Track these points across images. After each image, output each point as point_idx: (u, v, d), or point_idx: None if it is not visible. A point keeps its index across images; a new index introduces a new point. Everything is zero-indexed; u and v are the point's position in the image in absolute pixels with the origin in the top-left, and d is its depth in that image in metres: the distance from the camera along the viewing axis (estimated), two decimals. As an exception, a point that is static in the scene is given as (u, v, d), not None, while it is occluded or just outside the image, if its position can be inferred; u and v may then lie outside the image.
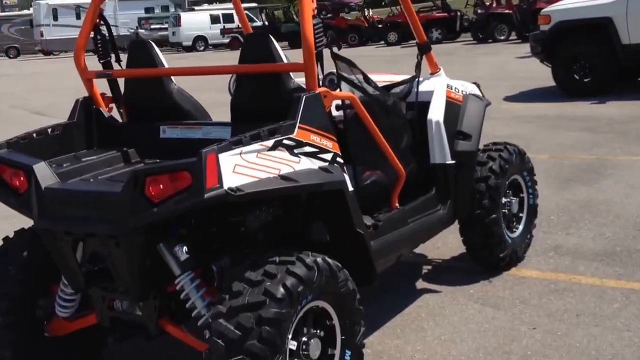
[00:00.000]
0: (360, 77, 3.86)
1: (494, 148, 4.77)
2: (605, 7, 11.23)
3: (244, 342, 2.89)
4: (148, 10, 46.87)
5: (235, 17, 40.34)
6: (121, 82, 4.10)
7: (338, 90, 3.64)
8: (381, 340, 4.01)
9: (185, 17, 41.10)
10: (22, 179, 3.26)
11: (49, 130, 3.72)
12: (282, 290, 2.98)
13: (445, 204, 4.41)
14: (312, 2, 3.41)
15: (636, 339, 3.88)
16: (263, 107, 3.57)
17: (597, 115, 10.11)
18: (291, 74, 3.58)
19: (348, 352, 3.34)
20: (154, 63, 3.89)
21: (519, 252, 4.92)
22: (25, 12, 52.41)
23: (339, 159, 3.45)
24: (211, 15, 41.52)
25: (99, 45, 4.03)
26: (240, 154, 3.01)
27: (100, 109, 3.95)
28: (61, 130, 3.77)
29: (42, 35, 44.56)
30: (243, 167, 2.99)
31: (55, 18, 44.47)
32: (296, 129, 3.26)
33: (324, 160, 3.37)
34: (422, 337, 4.09)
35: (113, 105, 4.06)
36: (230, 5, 50.94)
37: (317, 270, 3.14)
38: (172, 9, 45.37)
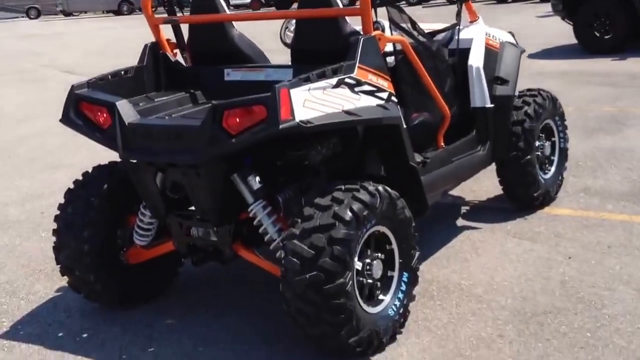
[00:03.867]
0: (409, 23, 4.15)
1: (529, 94, 5.06)
2: (626, -36, 11.43)
3: (318, 260, 3.22)
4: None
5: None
6: (184, 29, 4.38)
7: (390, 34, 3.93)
8: (430, 270, 4.34)
9: (209, -24, 40.90)
10: (105, 115, 3.58)
11: (122, 72, 4.03)
12: (349, 213, 3.30)
13: (485, 145, 4.71)
14: None
15: (665, 266, 4.21)
16: (321, 49, 3.84)
17: (618, 70, 10.36)
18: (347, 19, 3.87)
19: (405, 274, 3.67)
20: (217, 9, 4.18)
21: (551, 192, 5.24)
22: (48, -29, 52.33)
23: (393, 98, 3.75)
24: None
25: None
26: (309, 90, 3.30)
27: (167, 53, 4.25)
28: (133, 72, 4.07)
29: (64, -5, 44.70)
30: (311, 102, 3.28)
31: (78, -22, 44.56)
32: (356, 68, 3.53)
33: (381, 98, 3.65)
34: (466, 266, 4.42)
35: (177, 50, 4.35)
36: (253, -35, 48.21)
37: (379, 197, 3.46)
38: (194, -32, 44.98)
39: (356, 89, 3.52)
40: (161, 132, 3.47)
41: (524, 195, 5.09)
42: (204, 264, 3.96)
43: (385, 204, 3.49)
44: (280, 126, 3.15)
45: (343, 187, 3.42)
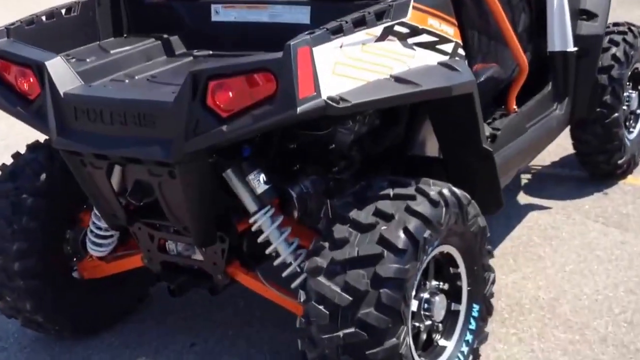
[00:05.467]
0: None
1: (617, 30, 3.87)
2: None
3: (357, 310, 2.13)
4: None
5: None
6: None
7: None
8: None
9: None
10: (31, 80, 2.40)
11: (63, 11, 2.80)
12: (403, 236, 2.19)
13: (562, 102, 3.55)
14: None
15: None
16: None
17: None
18: None
19: (476, 307, 2.57)
20: None
21: (636, 157, 4.10)
22: None
23: (461, 51, 2.58)
24: None
25: None
26: (341, 46, 2.13)
27: None
28: (79, 11, 2.83)
29: None
30: (345, 66, 2.14)
31: None
32: (410, 9, 2.37)
33: (444, 52, 2.51)
34: (541, 268, 3.31)
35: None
36: None
37: (444, 205, 2.32)
38: None
39: (410, 41, 2.37)
40: (115, 109, 2.27)
41: (604, 163, 3.95)
42: (186, 293, 2.80)
43: (452, 216, 2.34)
44: (299, 108, 2.00)
45: (391, 193, 2.27)
